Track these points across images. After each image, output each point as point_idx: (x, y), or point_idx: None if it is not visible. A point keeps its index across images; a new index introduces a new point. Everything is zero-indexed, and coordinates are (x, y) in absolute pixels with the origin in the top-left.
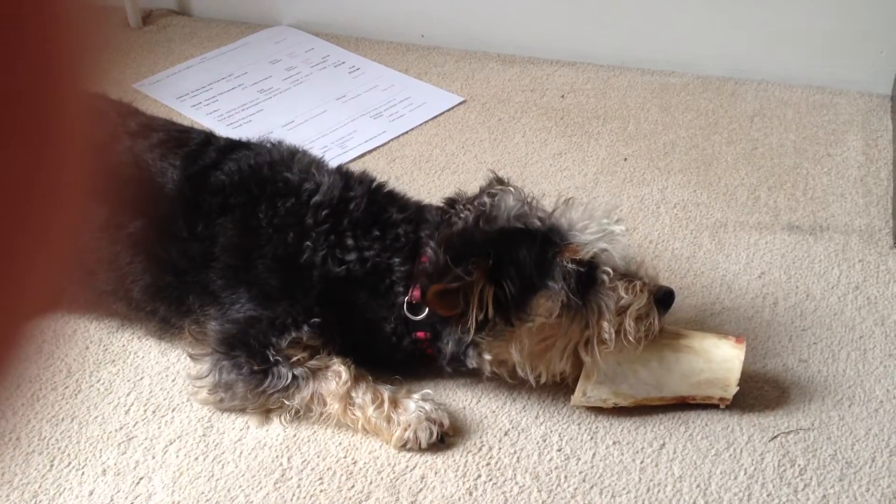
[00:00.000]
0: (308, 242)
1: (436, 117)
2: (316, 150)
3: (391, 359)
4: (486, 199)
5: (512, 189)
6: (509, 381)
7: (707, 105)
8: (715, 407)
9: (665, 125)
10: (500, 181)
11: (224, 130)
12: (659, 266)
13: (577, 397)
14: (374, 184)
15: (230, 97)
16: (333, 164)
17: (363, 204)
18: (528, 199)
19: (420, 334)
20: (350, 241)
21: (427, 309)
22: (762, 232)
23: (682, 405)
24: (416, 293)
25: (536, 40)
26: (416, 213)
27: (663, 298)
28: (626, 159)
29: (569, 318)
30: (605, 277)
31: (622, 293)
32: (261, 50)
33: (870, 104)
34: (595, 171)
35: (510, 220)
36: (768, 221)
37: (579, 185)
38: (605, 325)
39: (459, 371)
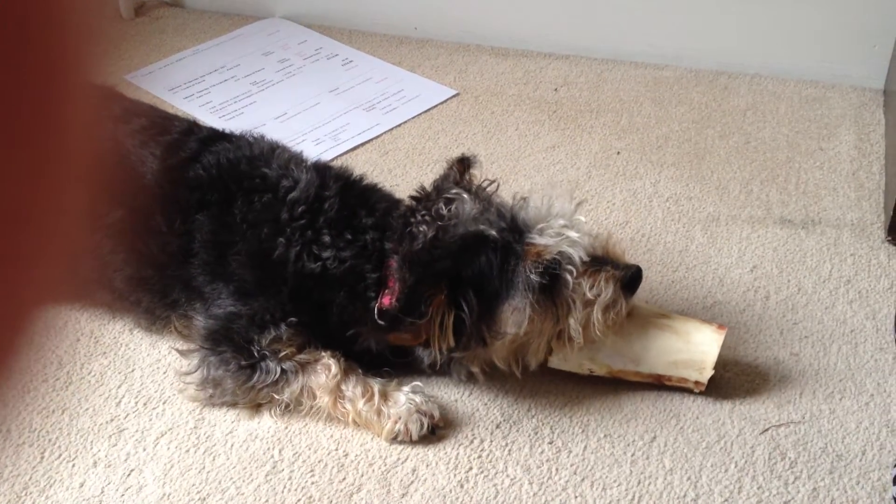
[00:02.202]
0: (282, 238)
1: (429, 110)
2: (308, 143)
3: (374, 359)
4: (444, 209)
5: (466, 196)
6: (501, 372)
7: (700, 99)
8: (695, 394)
9: (658, 119)
10: (461, 164)
11: (216, 122)
12: (651, 259)
13: (553, 359)
14: (351, 179)
15: (223, 89)
16: (326, 156)
17: (336, 204)
18: (487, 195)
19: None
20: (327, 239)
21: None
22: (754, 226)
23: (659, 387)
24: (385, 300)
25: (530, 33)
26: (382, 217)
27: (630, 282)
28: (618, 153)
29: (539, 320)
30: (569, 277)
31: (587, 290)
32: (253, 42)
33: (862, 98)
34: (588, 165)
35: (469, 224)
36: (760, 215)
37: (572, 179)
38: (572, 321)
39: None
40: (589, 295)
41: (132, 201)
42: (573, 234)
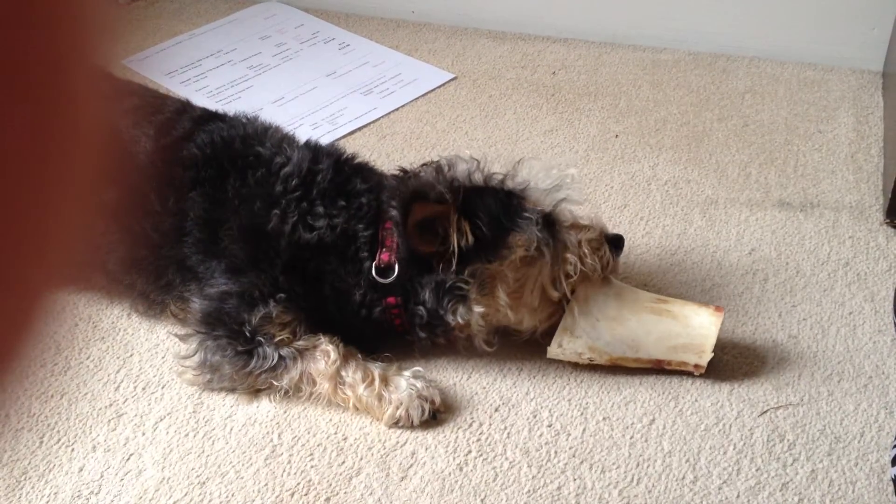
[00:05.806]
0: (276, 210)
1: (426, 94)
2: (306, 127)
3: (362, 334)
4: (442, 160)
5: (460, 157)
6: (486, 350)
7: (698, 82)
8: (694, 377)
9: (656, 102)
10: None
11: (213, 107)
12: (650, 242)
13: (552, 349)
14: (343, 156)
15: (219, 73)
16: (324, 141)
17: (329, 175)
18: (480, 165)
19: (391, 299)
20: (321, 209)
21: (397, 269)
22: (753, 209)
23: (658, 370)
24: (385, 256)
25: (528, 16)
26: (377, 183)
27: (614, 239)
28: (617, 136)
29: (540, 254)
30: (563, 220)
31: (577, 232)
32: (250, 26)
33: (861, 81)
34: (586, 148)
35: (469, 177)
36: (759, 198)
37: (570, 162)
38: (570, 256)
39: (434, 341)
40: (578, 234)
41: (125, 180)
42: (570, 171)
